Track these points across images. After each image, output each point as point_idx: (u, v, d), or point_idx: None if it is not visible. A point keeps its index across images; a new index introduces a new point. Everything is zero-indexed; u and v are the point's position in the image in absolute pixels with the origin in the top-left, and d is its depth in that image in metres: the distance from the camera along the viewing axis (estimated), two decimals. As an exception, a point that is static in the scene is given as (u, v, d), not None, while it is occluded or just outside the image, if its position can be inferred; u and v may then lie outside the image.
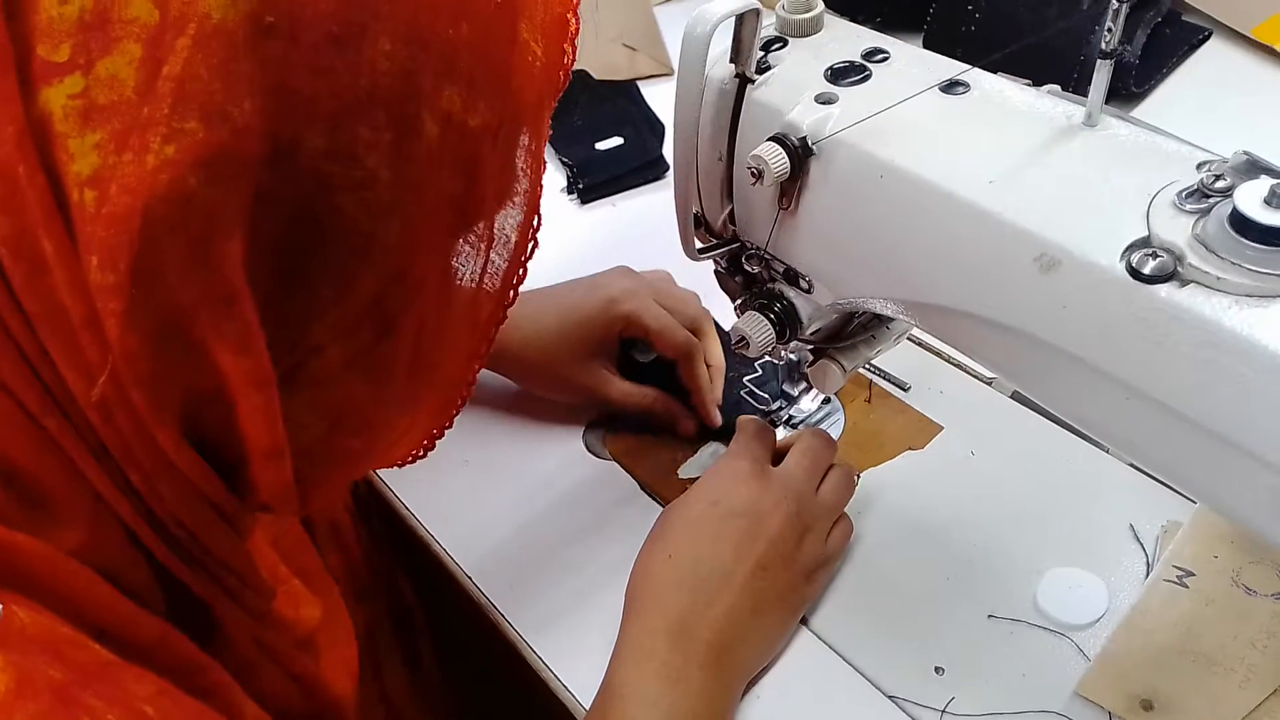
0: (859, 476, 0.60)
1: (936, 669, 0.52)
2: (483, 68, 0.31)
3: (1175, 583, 0.54)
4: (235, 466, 0.34)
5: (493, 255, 0.37)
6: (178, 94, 0.26)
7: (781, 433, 0.63)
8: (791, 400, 0.65)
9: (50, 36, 0.26)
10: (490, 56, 0.32)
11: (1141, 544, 0.57)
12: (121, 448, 0.31)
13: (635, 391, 0.64)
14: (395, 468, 0.44)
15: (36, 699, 0.26)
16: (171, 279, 0.28)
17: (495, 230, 0.36)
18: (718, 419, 0.65)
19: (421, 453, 0.43)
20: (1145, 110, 0.87)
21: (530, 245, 0.39)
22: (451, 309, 0.36)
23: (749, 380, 0.67)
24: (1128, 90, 0.85)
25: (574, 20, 0.35)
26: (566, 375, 0.64)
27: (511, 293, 0.39)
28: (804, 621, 0.55)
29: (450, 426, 0.42)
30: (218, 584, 0.37)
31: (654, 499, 0.62)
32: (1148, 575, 0.55)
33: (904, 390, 0.67)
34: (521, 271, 0.39)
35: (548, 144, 0.38)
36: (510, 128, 0.34)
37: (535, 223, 0.38)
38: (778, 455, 0.57)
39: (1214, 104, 0.86)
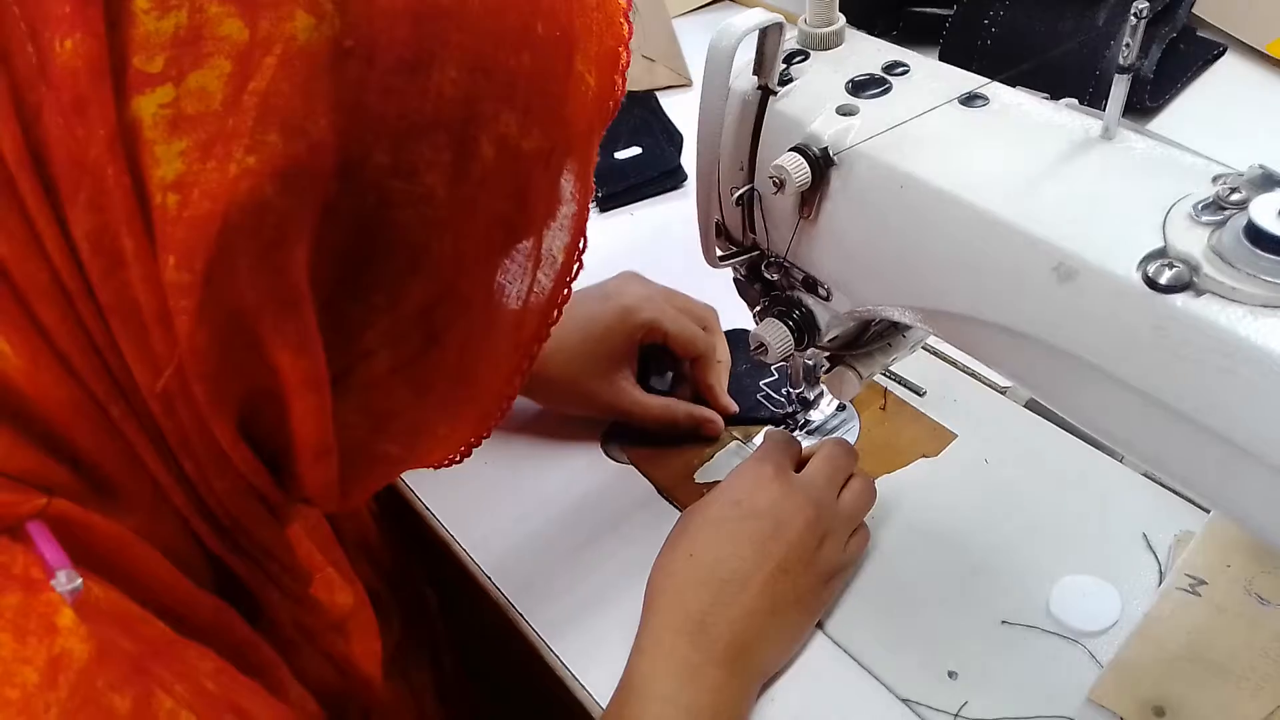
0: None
1: (950, 673, 0.53)
2: (539, 96, 0.33)
3: (1188, 591, 0.54)
4: (282, 461, 0.35)
5: (539, 275, 0.38)
6: (261, 108, 0.27)
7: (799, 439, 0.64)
8: (808, 406, 0.66)
9: (146, 48, 0.27)
10: (546, 85, 0.33)
11: (1154, 552, 0.57)
12: (179, 438, 0.32)
13: (656, 405, 0.65)
14: (427, 470, 0.45)
15: (115, 666, 0.28)
16: (242, 280, 0.29)
17: (543, 251, 0.38)
18: (733, 405, 0.66)
19: (457, 458, 0.44)
20: (1160, 124, 0.87)
21: (576, 266, 0.40)
22: (497, 324, 0.38)
23: (766, 385, 0.68)
24: (1143, 104, 0.86)
25: (625, 53, 0.37)
26: (588, 390, 0.64)
27: (556, 312, 0.41)
28: (819, 625, 0.56)
29: (488, 436, 0.44)
30: (261, 570, 0.38)
31: (671, 502, 0.63)
32: (1160, 583, 0.55)
33: (919, 397, 0.67)
34: (566, 291, 0.40)
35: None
36: (560, 153, 0.36)
37: (581, 245, 0.40)
38: (801, 464, 0.58)
39: (1228, 118, 0.87)
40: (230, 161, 0.27)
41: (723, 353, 0.68)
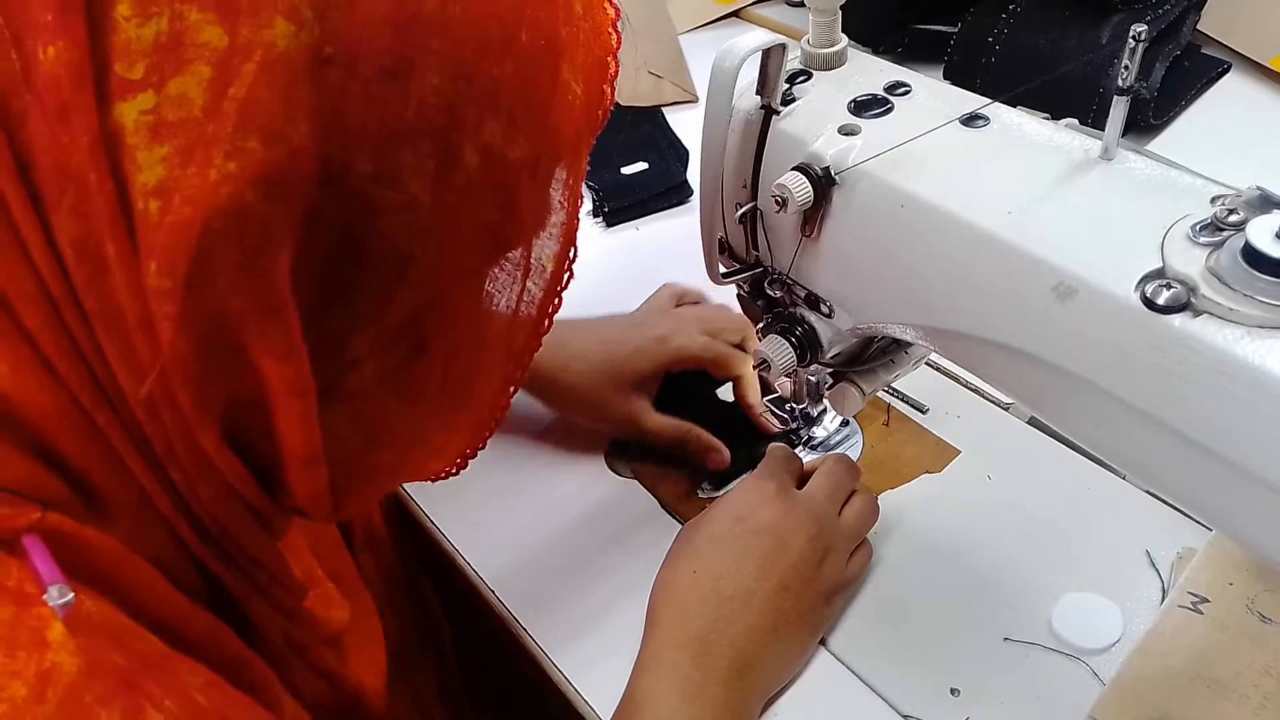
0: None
1: (952, 690, 0.53)
2: (523, 104, 0.33)
3: (1190, 609, 0.54)
4: (272, 471, 0.35)
5: (529, 284, 0.38)
6: (241, 114, 0.28)
7: (803, 455, 0.64)
8: (811, 422, 0.66)
9: (127, 55, 0.27)
10: (531, 94, 0.33)
11: (1157, 570, 0.57)
12: (165, 445, 0.32)
13: (668, 425, 0.65)
14: (427, 482, 0.45)
15: (104, 680, 0.28)
16: (223, 286, 0.29)
17: (532, 260, 0.38)
18: (775, 426, 0.67)
19: (455, 470, 0.44)
20: (1163, 142, 0.87)
21: (566, 276, 0.40)
22: (486, 334, 0.38)
23: (769, 401, 0.68)
24: (1146, 122, 0.86)
25: (614, 63, 0.37)
26: (604, 404, 0.65)
27: (547, 321, 0.41)
28: (822, 642, 0.56)
29: (483, 447, 0.44)
30: (250, 581, 0.38)
31: (674, 518, 0.63)
32: (1163, 601, 0.55)
33: (922, 414, 0.68)
34: (557, 300, 0.40)
35: (574, 168, 0.39)
36: (548, 162, 0.36)
37: (571, 254, 0.40)
38: (804, 480, 0.58)
39: (1232, 136, 0.87)
40: (210, 167, 0.28)
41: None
